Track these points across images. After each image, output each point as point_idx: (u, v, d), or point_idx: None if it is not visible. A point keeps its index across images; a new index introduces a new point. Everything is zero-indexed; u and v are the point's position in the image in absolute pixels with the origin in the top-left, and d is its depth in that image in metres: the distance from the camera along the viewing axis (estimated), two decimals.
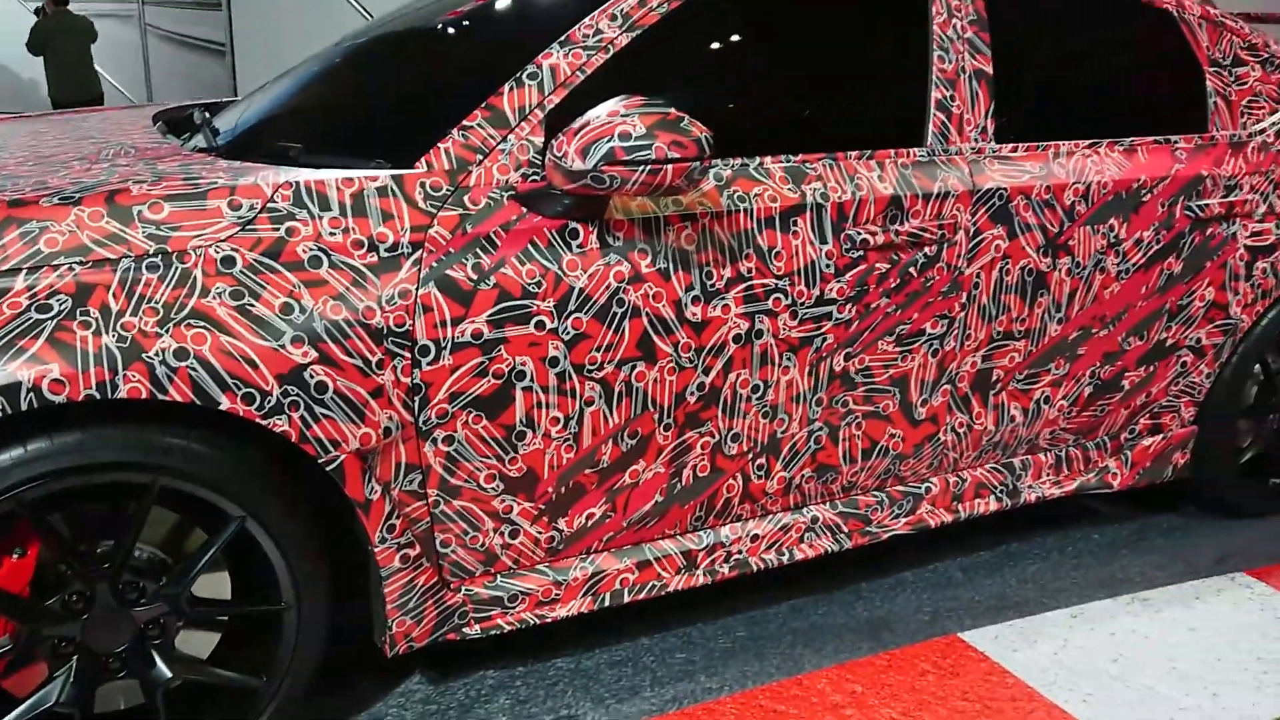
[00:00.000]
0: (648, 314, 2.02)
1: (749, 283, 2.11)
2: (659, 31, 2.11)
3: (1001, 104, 2.45)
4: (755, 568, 2.33)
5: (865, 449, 2.38)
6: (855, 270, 2.22)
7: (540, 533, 2.07)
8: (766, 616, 2.48)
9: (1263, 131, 2.81)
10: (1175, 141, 2.67)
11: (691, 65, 2.24)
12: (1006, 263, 2.40)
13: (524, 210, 1.92)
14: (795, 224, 2.15)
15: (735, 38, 2.31)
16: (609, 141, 1.80)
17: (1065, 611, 2.52)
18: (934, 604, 2.55)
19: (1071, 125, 2.57)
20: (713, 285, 2.08)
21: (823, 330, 2.21)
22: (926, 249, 2.29)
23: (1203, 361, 2.77)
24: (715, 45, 2.28)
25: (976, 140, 2.40)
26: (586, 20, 2.06)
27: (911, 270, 2.28)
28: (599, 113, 1.84)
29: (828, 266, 2.19)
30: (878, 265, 2.24)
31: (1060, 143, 2.50)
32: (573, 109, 1.97)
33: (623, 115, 1.82)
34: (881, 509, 2.48)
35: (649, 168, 1.81)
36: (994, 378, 2.49)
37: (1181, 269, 2.65)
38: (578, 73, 2.02)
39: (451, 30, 2.43)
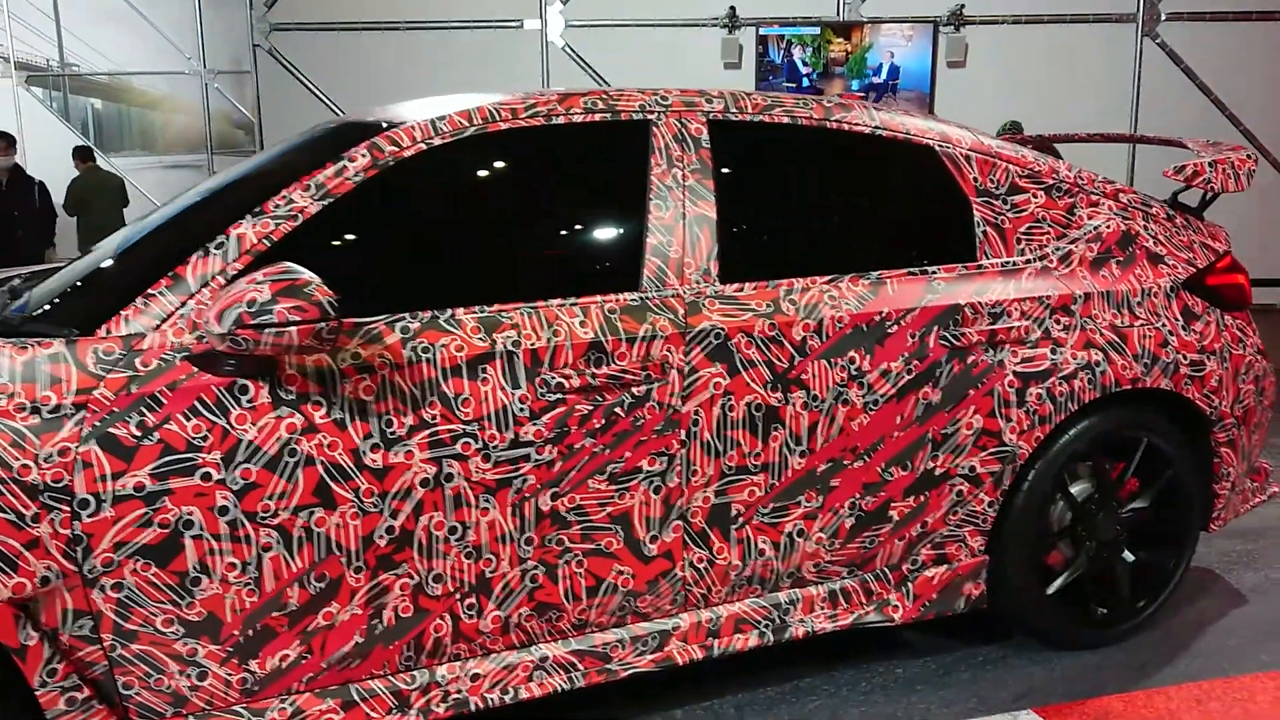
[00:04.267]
0: (323, 462, 2.13)
1: (434, 429, 2.21)
2: (356, 197, 2.28)
3: (731, 246, 2.54)
4: (476, 707, 2.36)
5: (590, 586, 2.41)
6: (553, 413, 2.30)
7: (230, 674, 2.15)
8: None
9: (1044, 256, 2.83)
10: (934, 272, 2.71)
11: (389, 227, 2.39)
12: (729, 399, 2.45)
13: (194, 370, 2.07)
14: (484, 371, 2.25)
15: (438, 197, 2.46)
16: (239, 307, 1.95)
17: None
18: None
19: (815, 263, 2.63)
20: (393, 433, 2.18)
21: (522, 471, 2.29)
22: (634, 389, 2.36)
23: (981, 490, 2.74)
24: (414, 207, 2.43)
25: (698, 282, 2.48)
26: (283, 191, 2.24)
27: (618, 410, 2.35)
28: (242, 280, 2.00)
29: (522, 410, 2.27)
30: (579, 407, 2.32)
31: (794, 280, 2.57)
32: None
33: (257, 283, 1.97)
34: (623, 646, 2.49)
35: (275, 330, 1.95)
36: (733, 512, 2.51)
37: (942, 398, 2.65)
38: (264, 240, 2.19)
39: (193, 201, 2.64)
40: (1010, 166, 2.89)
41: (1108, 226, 2.96)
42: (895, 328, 2.61)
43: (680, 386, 2.41)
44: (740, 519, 2.52)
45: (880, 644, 2.98)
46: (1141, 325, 2.88)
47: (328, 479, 2.14)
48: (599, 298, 2.39)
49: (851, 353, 2.56)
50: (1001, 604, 2.88)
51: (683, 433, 2.42)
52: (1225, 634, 3.05)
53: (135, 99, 16.63)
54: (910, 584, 2.76)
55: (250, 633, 2.14)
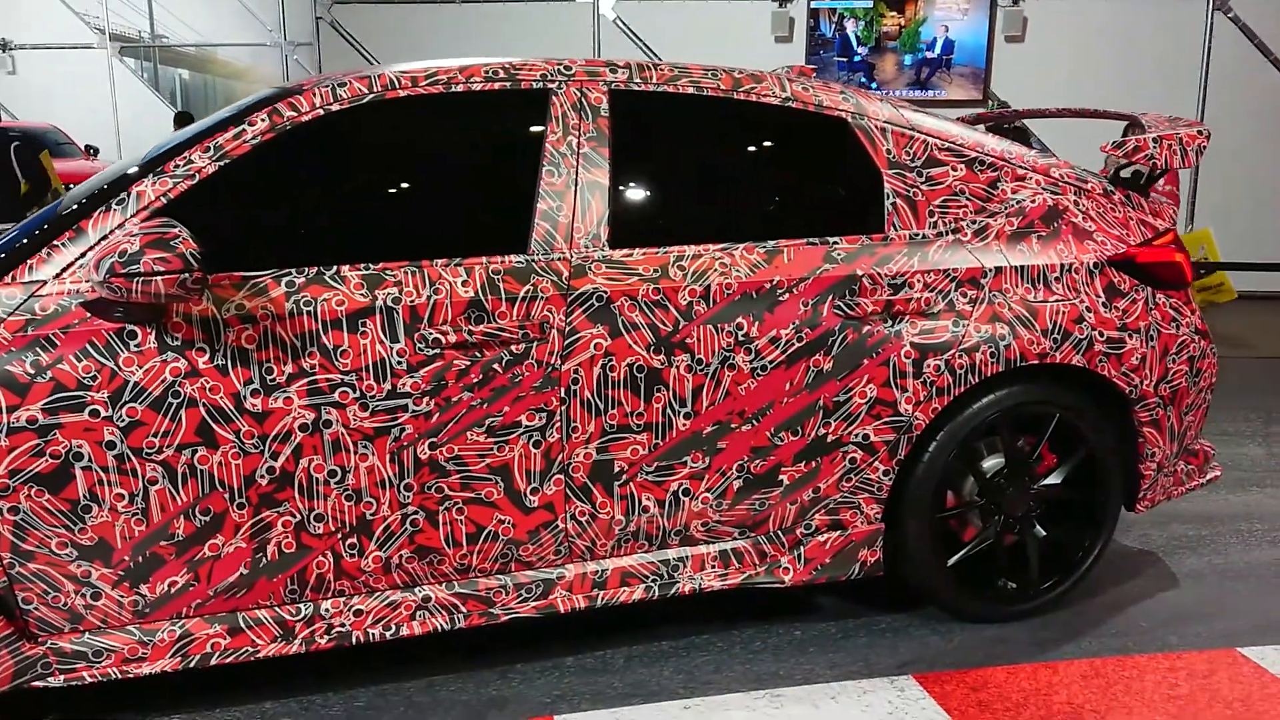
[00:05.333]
0: (205, 404, 2.30)
1: (313, 377, 2.36)
2: (253, 159, 2.43)
3: (624, 213, 2.62)
4: (358, 640, 2.51)
5: (471, 533, 2.54)
6: (431, 367, 2.43)
7: (123, 596, 2.35)
8: (385, 692, 2.64)
9: (958, 229, 2.84)
10: (835, 242, 2.74)
11: (283, 188, 2.54)
12: (610, 360, 2.54)
13: (88, 315, 2.26)
14: (363, 325, 2.39)
15: (333, 160, 2.60)
16: (111, 257, 2.12)
17: (679, 703, 2.56)
18: (565, 688, 2.65)
19: (712, 231, 2.69)
20: (273, 379, 2.34)
21: (399, 421, 2.42)
22: (512, 347, 2.48)
23: (875, 458, 2.78)
24: (309, 169, 2.57)
25: (587, 247, 2.57)
26: (183, 153, 2.41)
27: (496, 367, 2.47)
28: (120, 232, 2.17)
29: (400, 363, 2.41)
30: (456, 362, 2.44)
31: (686, 247, 2.64)
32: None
33: (131, 235, 2.14)
34: (506, 592, 2.62)
35: (143, 279, 2.11)
36: (616, 469, 2.60)
37: (834, 366, 2.70)
38: (162, 198, 2.35)
39: (131, 163, 2.81)
40: (929, 139, 2.89)
41: (1032, 201, 2.95)
42: (787, 295, 2.66)
43: (560, 346, 2.51)
44: (624, 476, 2.62)
45: (794, 607, 3.05)
46: (1056, 300, 2.87)
47: (209, 420, 2.31)
48: (484, 259, 2.50)
49: (739, 319, 2.63)
50: (903, 573, 2.91)
51: (562, 390, 2.52)
52: (1141, 615, 3.03)
53: (220, 70, 17.25)
54: (803, 548, 2.82)
55: (140, 559, 2.33)
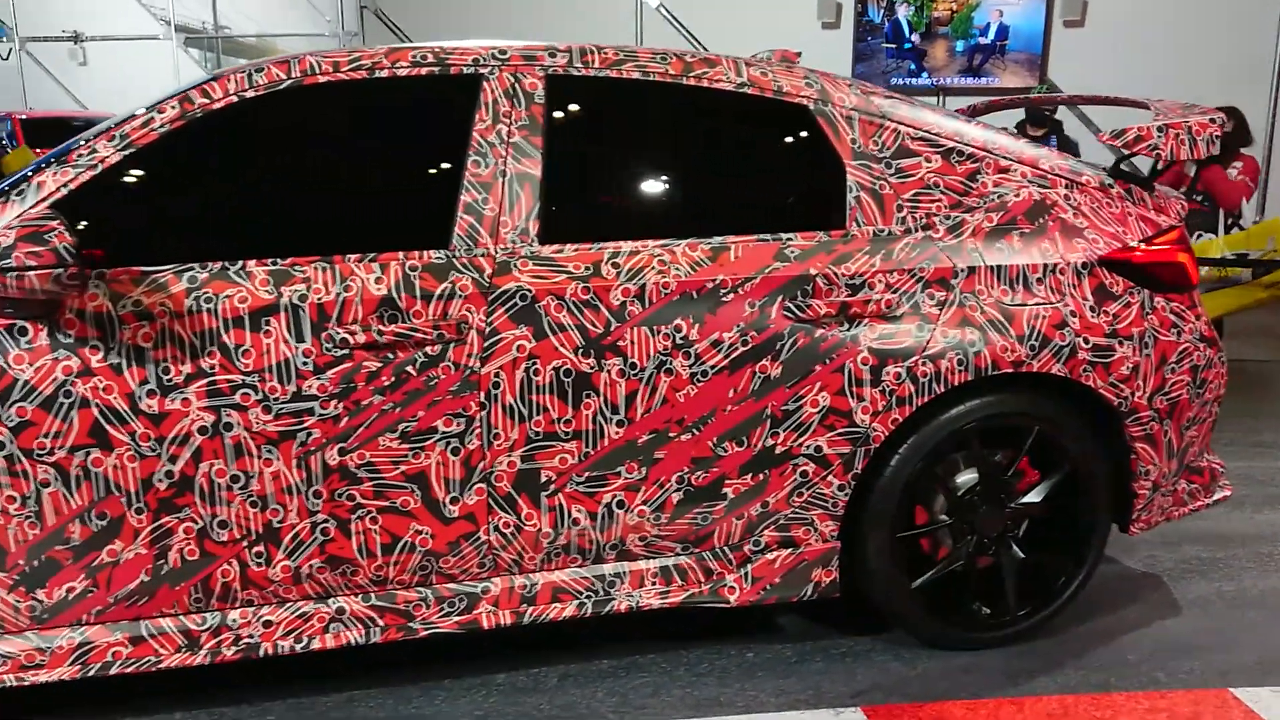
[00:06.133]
0: (98, 405, 2.20)
1: (212, 378, 2.25)
2: (160, 148, 2.32)
3: (557, 206, 2.46)
4: (267, 653, 2.40)
5: (386, 544, 2.41)
6: (339, 368, 2.30)
7: (19, 601, 2.27)
8: (301, 706, 2.53)
9: (929, 225, 2.62)
10: (789, 239, 2.55)
11: (191, 178, 2.43)
12: (534, 363, 2.39)
13: None
14: (267, 323, 2.26)
15: (246, 150, 2.48)
16: None
17: None
18: (490, 707, 2.51)
19: (654, 226, 2.52)
20: (170, 380, 2.23)
21: (306, 425, 2.30)
22: (427, 348, 2.33)
23: (830, 472, 2.58)
24: (219, 159, 2.45)
25: (515, 242, 2.42)
26: (87, 142, 2.31)
27: (410, 369, 2.33)
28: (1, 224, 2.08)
29: (305, 364, 2.28)
30: (367, 364, 2.31)
31: (623, 243, 2.47)
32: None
33: (8, 228, 2.04)
34: (427, 605, 2.48)
35: (15, 274, 2.02)
36: (543, 479, 2.45)
37: (783, 372, 2.51)
38: (62, 188, 2.26)
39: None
40: (901, 128, 2.68)
41: (1017, 195, 2.71)
42: (731, 296, 2.48)
43: (480, 348, 2.36)
44: (552, 486, 2.46)
45: (750, 627, 2.87)
46: (1036, 304, 2.63)
47: (103, 421, 2.21)
48: (402, 254, 2.36)
49: (678, 320, 2.45)
50: (867, 594, 2.71)
51: (482, 395, 2.38)
52: (1131, 647, 2.78)
53: None
54: (750, 566, 2.63)
55: (35, 563, 2.25)
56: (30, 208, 2.24)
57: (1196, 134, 2.78)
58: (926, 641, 2.78)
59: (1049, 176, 2.76)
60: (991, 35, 9.43)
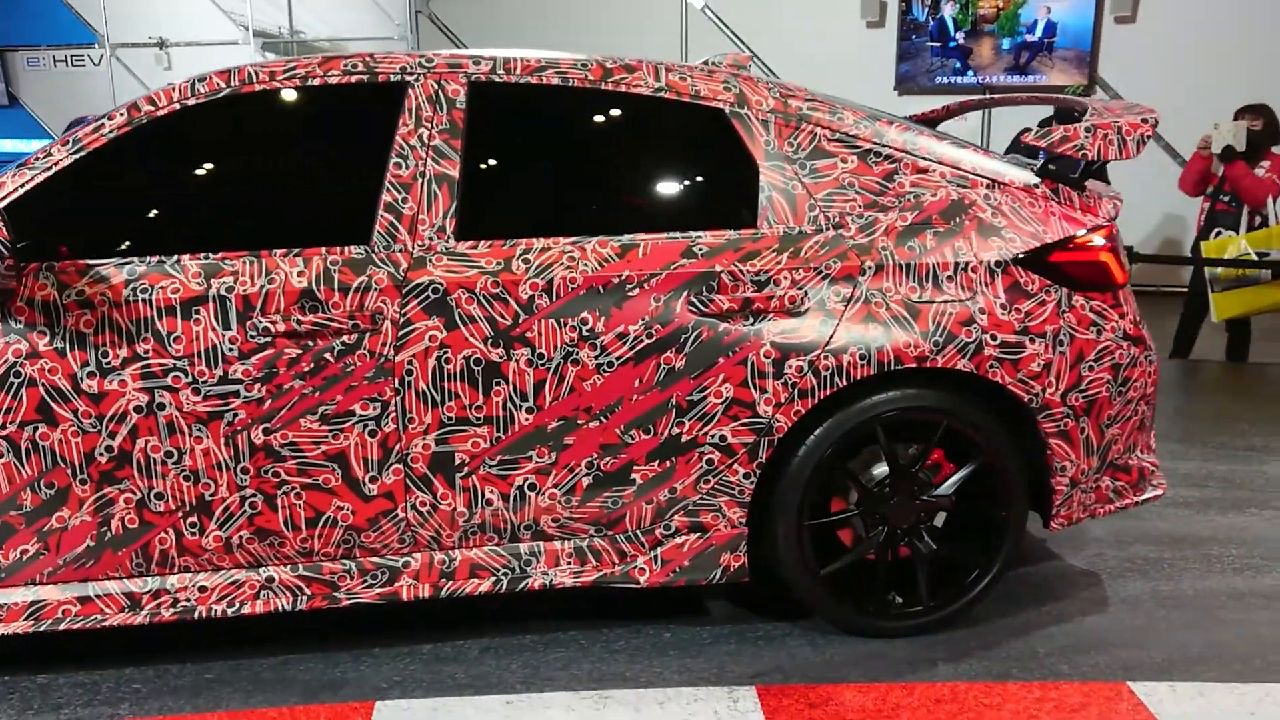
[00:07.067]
0: (44, 384, 2.43)
1: (146, 362, 2.46)
2: (108, 152, 2.55)
3: (473, 206, 2.62)
4: (202, 615, 2.61)
5: (310, 518, 2.60)
6: (262, 354, 2.49)
7: None
8: (239, 667, 2.73)
9: (840, 224, 2.70)
10: (697, 236, 2.67)
11: (135, 180, 2.65)
12: (445, 352, 2.55)
13: None
14: (197, 312, 2.47)
15: (186, 154, 2.69)
16: None
17: (503, 698, 2.55)
18: (408, 674, 2.68)
19: (567, 225, 2.66)
20: (108, 363, 2.45)
21: (232, 406, 2.50)
22: (344, 337, 2.52)
23: (735, 460, 2.68)
24: (161, 162, 2.67)
25: (432, 239, 2.58)
26: (43, 147, 2.55)
27: (328, 356, 2.51)
28: None
29: (231, 350, 2.48)
30: (287, 350, 2.50)
31: (535, 240, 2.61)
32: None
33: None
34: (350, 577, 2.66)
35: None
36: (457, 461, 2.61)
37: (687, 364, 2.62)
38: (19, 189, 2.50)
39: None
40: (817, 130, 2.77)
41: (934, 195, 2.78)
42: (637, 290, 2.60)
43: (394, 337, 2.54)
44: (465, 468, 2.62)
45: (679, 608, 2.99)
46: (944, 301, 2.70)
47: (49, 399, 2.44)
48: (324, 250, 2.55)
49: (584, 313, 2.59)
50: (781, 581, 2.81)
51: (396, 381, 2.55)
52: (1044, 640, 2.82)
53: None
54: (660, 549, 2.75)
55: None
56: None
57: (1126, 134, 2.81)
58: (842, 628, 2.86)
59: (969, 177, 2.82)
60: (1039, 32, 9.29)
